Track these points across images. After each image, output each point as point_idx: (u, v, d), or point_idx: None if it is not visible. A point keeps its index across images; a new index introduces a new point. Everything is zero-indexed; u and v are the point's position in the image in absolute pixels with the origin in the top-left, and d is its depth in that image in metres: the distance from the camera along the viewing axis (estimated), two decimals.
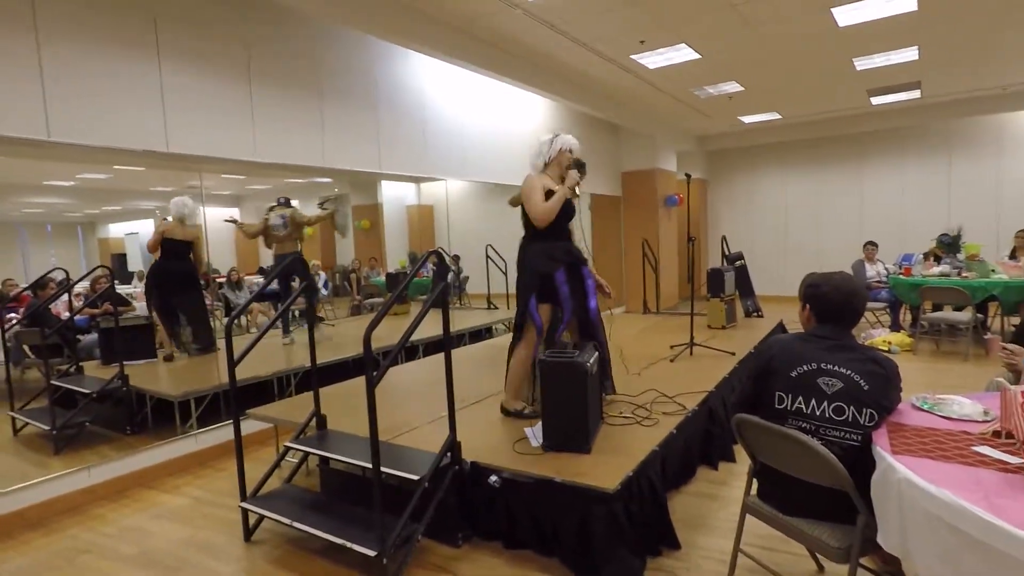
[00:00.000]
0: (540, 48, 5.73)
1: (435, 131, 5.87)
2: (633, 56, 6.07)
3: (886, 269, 7.46)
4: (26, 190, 7.93)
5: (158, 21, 3.68)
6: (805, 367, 1.91)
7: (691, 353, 4.59)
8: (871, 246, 7.61)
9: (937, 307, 6.81)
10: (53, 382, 4.32)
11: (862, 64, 6.72)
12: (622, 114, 8.13)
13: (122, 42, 3.54)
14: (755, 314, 6.59)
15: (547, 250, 3.18)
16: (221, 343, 4.82)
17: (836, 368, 1.87)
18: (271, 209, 5.81)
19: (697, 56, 6.11)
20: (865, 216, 10.30)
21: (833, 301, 1.94)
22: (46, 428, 3.90)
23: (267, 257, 6.63)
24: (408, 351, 5.61)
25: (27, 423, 4.19)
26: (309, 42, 4.67)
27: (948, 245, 6.99)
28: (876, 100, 8.64)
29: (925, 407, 2.00)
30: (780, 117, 9.54)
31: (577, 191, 3.27)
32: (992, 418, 1.84)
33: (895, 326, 7.09)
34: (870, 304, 7.21)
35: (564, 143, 3.30)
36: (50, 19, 3.23)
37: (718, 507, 2.92)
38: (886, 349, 6.35)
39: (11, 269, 7.11)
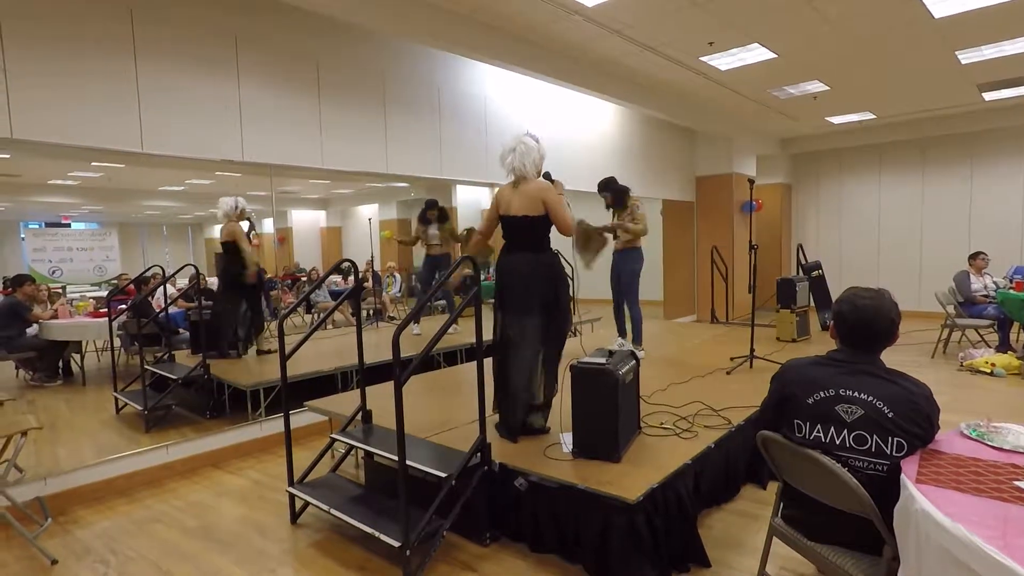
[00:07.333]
0: (604, 53, 5.68)
1: (497, 138, 5.98)
2: (703, 58, 5.88)
3: (994, 283, 6.72)
4: (145, 195, 8.90)
5: (238, 41, 4.04)
6: (822, 393, 1.77)
7: (751, 366, 4.38)
8: (981, 256, 6.88)
9: None
10: (147, 367, 4.81)
11: (968, 57, 6.11)
12: (695, 117, 7.86)
13: (206, 61, 3.91)
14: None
15: (560, 263, 3.16)
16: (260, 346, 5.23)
17: (856, 394, 1.72)
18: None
19: (773, 55, 5.82)
20: (974, 224, 9.33)
21: (851, 323, 1.77)
22: (140, 408, 4.35)
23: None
24: (469, 352, 5.74)
25: (127, 403, 4.69)
26: (374, 54, 4.92)
27: None
28: (989, 96, 7.82)
29: (974, 435, 1.82)
30: (874, 117, 8.85)
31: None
32: None
33: (1003, 346, 6.37)
34: (974, 322, 6.54)
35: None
36: (147, 43, 3.63)
37: (758, 527, 2.77)
38: (988, 372, 5.73)
39: (134, 264, 7.99)
